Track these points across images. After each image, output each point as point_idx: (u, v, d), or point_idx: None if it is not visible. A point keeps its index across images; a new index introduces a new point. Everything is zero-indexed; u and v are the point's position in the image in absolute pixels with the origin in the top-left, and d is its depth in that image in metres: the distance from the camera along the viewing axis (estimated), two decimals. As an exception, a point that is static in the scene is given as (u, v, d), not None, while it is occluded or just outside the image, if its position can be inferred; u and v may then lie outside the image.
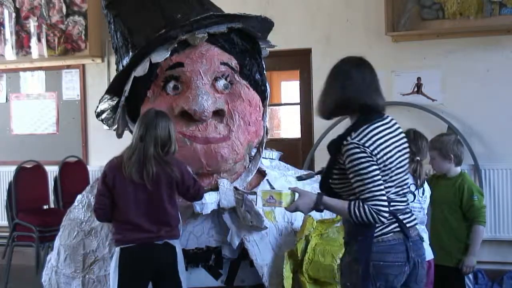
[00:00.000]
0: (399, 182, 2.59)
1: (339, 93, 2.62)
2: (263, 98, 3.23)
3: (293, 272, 2.99)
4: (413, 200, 3.23)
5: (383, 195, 2.48)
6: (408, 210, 2.64)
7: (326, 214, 3.23)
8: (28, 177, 5.73)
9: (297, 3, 5.89)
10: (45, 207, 5.99)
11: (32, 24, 6.80)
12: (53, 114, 6.89)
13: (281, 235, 3.10)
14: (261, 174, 3.29)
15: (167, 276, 2.85)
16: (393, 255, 2.52)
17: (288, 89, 7.22)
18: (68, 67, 6.79)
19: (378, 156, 2.50)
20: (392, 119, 2.67)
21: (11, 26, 6.89)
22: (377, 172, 2.48)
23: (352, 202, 2.50)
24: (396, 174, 2.57)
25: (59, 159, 6.20)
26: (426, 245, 3.23)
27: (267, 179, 3.25)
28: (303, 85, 6.09)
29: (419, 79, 5.48)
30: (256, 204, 3.01)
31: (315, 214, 3.14)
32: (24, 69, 6.99)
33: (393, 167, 2.55)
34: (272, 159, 3.56)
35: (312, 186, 3.36)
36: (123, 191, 2.85)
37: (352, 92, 2.60)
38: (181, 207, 3.02)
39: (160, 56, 2.94)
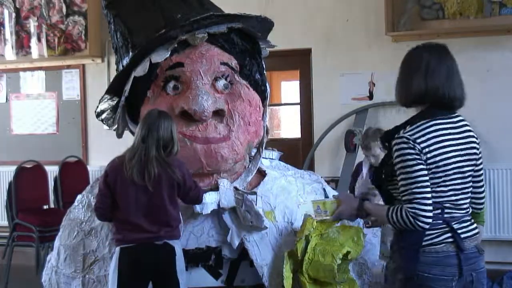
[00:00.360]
0: (456, 188, 2.38)
1: (420, 84, 2.42)
2: (263, 98, 3.23)
3: (293, 272, 2.98)
4: None
5: (427, 198, 2.29)
6: (466, 218, 2.42)
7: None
8: (28, 177, 5.73)
9: (297, 3, 5.89)
10: (45, 207, 6.00)
11: (32, 24, 6.80)
12: (53, 114, 6.89)
13: (281, 235, 3.10)
14: (261, 174, 3.29)
15: (166, 276, 2.86)
16: (441, 268, 2.32)
17: (288, 89, 7.23)
18: (68, 67, 6.79)
19: (430, 155, 2.32)
20: (461, 120, 2.46)
21: (11, 26, 6.90)
22: (424, 172, 2.30)
23: (392, 207, 2.35)
24: (453, 179, 2.36)
25: (59, 159, 6.21)
26: None
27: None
28: (303, 85, 6.09)
29: (419, 79, 5.48)
30: (256, 204, 3.01)
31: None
32: (24, 69, 6.99)
33: (448, 170, 2.35)
34: (272, 159, 3.56)
35: (312, 186, 3.37)
36: (124, 192, 2.85)
37: (433, 83, 2.40)
38: (181, 207, 3.02)
39: (160, 56, 2.94)
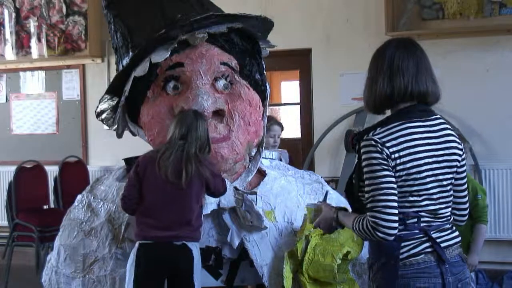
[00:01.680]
0: (433, 198, 2.19)
1: (385, 86, 2.21)
2: (263, 98, 3.23)
3: (293, 272, 2.99)
4: None
5: (390, 207, 2.09)
6: (446, 227, 2.23)
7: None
8: (28, 177, 5.73)
9: (297, 3, 5.89)
10: (45, 207, 6.00)
11: (32, 24, 6.81)
12: (53, 114, 6.89)
13: (281, 235, 3.10)
14: (261, 174, 3.29)
15: (180, 278, 2.85)
16: (426, 280, 2.14)
17: (288, 89, 7.23)
18: (68, 67, 6.79)
19: (399, 161, 2.13)
20: (441, 123, 2.26)
21: (11, 26, 6.90)
22: (390, 179, 2.11)
23: (357, 217, 2.19)
24: (428, 188, 2.17)
25: (59, 159, 6.21)
26: None
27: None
28: (303, 85, 6.10)
29: (419, 79, 5.48)
30: (256, 204, 3.01)
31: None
32: (24, 69, 7.00)
33: (422, 178, 2.15)
34: (272, 159, 3.56)
35: (312, 186, 3.37)
36: (153, 185, 2.83)
37: (399, 83, 2.20)
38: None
39: (160, 56, 2.94)
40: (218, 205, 2.98)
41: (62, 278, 3.18)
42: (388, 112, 2.30)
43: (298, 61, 6.11)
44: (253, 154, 3.30)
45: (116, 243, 3.01)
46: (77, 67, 6.76)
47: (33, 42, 6.80)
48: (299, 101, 6.18)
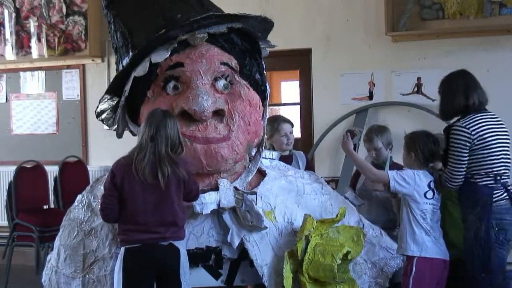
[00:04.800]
0: (504, 161, 3.30)
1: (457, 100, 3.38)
2: (263, 98, 3.23)
3: (293, 272, 2.99)
4: (433, 197, 3.25)
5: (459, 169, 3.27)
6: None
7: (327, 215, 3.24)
8: (28, 177, 5.73)
9: (297, 3, 5.89)
10: (45, 207, 5.99)
11: (32, 24, 6.81)
12: (53, 114, 6.89)
13: (281, 235, 3.10)
14: (261, 174, 3.29)
15: (168, 277, 2.85)
16: (510, 215, 3.28)
17: (288, 89, 7.23)
18: (68, 67, 6.79)
19: (478, 135, 3.24)
20: (496, 116, 3.44)
21: (11, 26, 6.90)
22: (465, 155, 3.24)
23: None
24: (501, 155, 3.28)
25: (59, 159, 6.20)
26: (441, 245, 3.28)
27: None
28: (303, 85, 6.09)
29: (419, 79, 5.48)
30: (256, 204, 3.01)
31: (315, 214, 3.15)
32: (24, 69, 6.99)
33: (494, 146, 3.27)
34: (272, 159, 3.56)
35: (312, 186, 3.37)
36: (132, 192, 2.83)
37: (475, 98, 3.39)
38: (181, 207, 3.03)
39: (160, 56, 2.94)
40: (218, 205, 2.98)
41: (62, 278, 3.18)
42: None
43: (298, 61, 6.11)
44: (253, 154, 3.30)
45: (116, 243, 3.01)
46: (77, 67, 6.76)
47: (33, 42, 6.80)
48: (299, 101, 6.18)
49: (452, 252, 3.40)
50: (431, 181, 3.29)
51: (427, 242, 3.25)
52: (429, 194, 3.26)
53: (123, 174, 2.84)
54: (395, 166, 3.80)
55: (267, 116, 3.34)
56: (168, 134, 2.81)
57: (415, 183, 3.27)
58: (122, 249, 2.86)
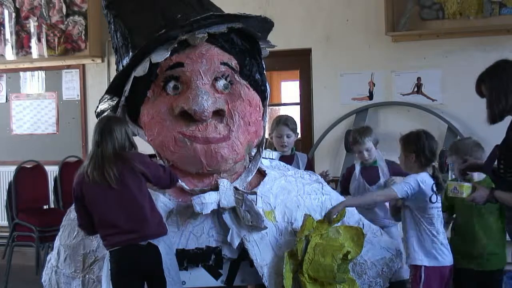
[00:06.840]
0: None
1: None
2: (263, 98, 3.23)
3: (293, 272, 2.99)
4: (436, 200, 3.24)
5: None
6: None
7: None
8: (28, 177, 5.73)
9: (297, 3, 5.89)
10: (45, 207, 5.99)
11: (32, 24, 6.81)
12: (53, 114, 6.90)
13: (281, 235, 3.10)
14: (261, 174, 3.29)
15: (154, 277, 2.85)
16: None
17: (288, 89, 7.23)
18: (68, 67, 6.79)
19: None
20: None
21: (11, 26, 6.90)
22: None
23: None
24: None
25: (59, 159, 6.20)
26: (448, 250, 3.23)
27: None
28: (303, 85, 6.10)
29: (419, 79, 5.49)
30: (256, 204, 3.01)
31: (315, 214, 3.15)
32: (24, 69, 7.00)
33: None
34: (272, 159, 3.56)
35: (312, 186, 3.37)
36: (92, 198, 2.85)
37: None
38: (181, 207, 3.02)
39: (160, 56, 2.94)
40: (218, 205, 2.98)
41: (62, 278, 3.18)
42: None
43: (298, 61, 6.11)
44: (253, 154, 3.30)
45: (116, 243, 3.01)
46: (77, 67, 6.76)
47: (33, 42, 6.80)
48: (299, 101, 6.18)
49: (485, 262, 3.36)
50: (433, 184, 3.25)
51: (435, 250, 3.20)
52: (433, 198, 3.20)
53: (80, 185, 2.86)
54: (395, 166, 3.80)
55: (267, 117, 3.34)
56: (114, 137, 2.84)
57: (421, 188, 3.22)
58: (107, 252, 2.87)
